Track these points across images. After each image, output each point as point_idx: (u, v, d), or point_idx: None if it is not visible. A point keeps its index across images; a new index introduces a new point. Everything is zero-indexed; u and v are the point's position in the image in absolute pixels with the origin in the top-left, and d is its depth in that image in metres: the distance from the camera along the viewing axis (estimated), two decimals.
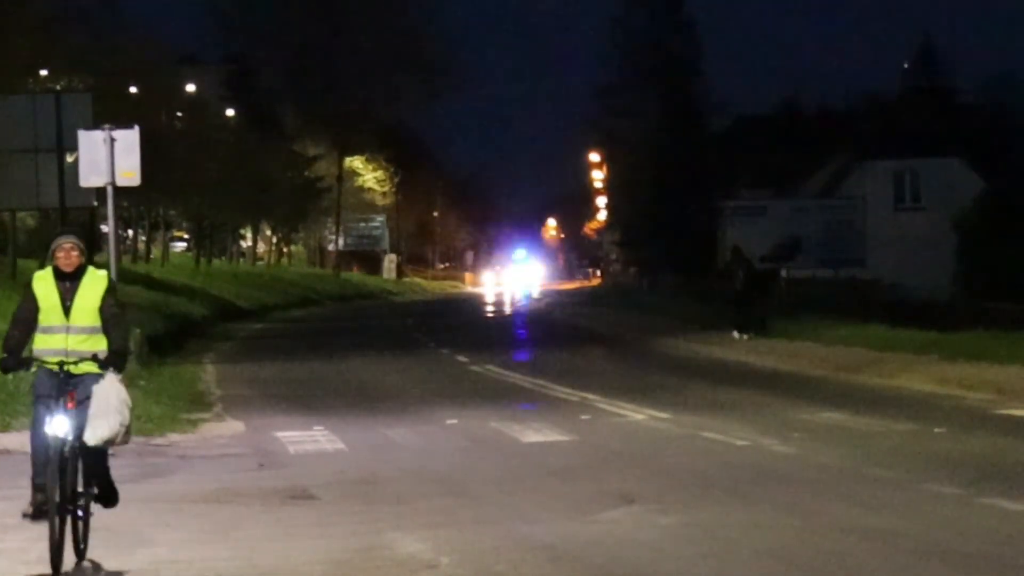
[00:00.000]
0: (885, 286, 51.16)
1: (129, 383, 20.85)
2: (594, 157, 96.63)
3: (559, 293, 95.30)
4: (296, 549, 11.06)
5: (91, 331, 10.55)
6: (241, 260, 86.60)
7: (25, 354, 10.60)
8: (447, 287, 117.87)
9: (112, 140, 21.50)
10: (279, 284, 73.68)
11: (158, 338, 31.99)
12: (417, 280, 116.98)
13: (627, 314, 53.77)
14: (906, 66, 75.45)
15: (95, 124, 22.79)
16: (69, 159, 25.29)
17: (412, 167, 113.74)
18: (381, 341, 38.95)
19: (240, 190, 65.59)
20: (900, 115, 64.71)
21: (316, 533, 11.61)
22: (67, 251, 10.55)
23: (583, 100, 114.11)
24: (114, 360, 10.55)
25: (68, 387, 10.48)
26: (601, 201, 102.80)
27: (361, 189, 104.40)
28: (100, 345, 10.54)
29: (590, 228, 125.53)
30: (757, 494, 12.94)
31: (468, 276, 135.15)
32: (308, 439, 17.85)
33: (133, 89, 47.54)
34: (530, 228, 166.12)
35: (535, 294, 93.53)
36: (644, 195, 69.89)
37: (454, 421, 19.41)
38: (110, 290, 10.66)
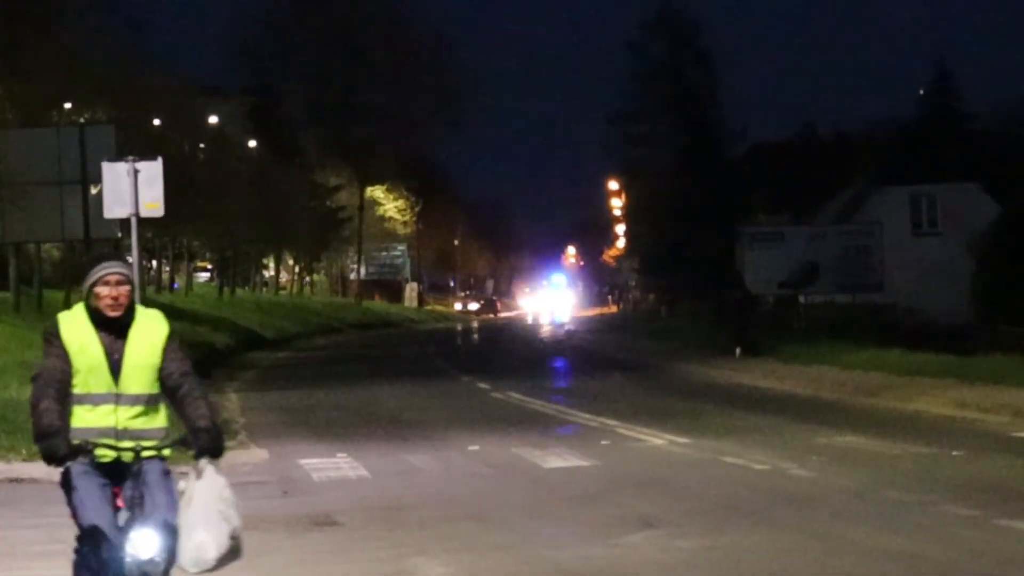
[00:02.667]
0: (902, 311, 51.19)
1: None
2: (613, 185, 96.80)
3: (579, 320, 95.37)
4: (320, 575, 11.19)
5: (148, 400, 7.27)
6: (264, 289, 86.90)
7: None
8: (469, 314, 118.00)
9: (136, 171, 21.63)
10: (302, 313, 73.91)
11: None
12: (438, 308, 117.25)
13: (646, 340, 53.92)
14: (922, 92, 75.47)
15: (119, 155, 22.98)
16: (93, 191, 25.50)
17: (433, 196, 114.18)
18: (403, 369, 39.13)
19: (262, 220, 65.91)
20: (917, 141, 64.72)
21: (340, 559, 11.70)
22: (114, 286, 7.22)
23: (601, 128, 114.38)
24: (210, 442, 7.21)
25: (130, 487, 7.23)
26: (620, 228, 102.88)
27: (382, 218, 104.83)
28: (158, 421, 7.32)
29: (609, 255, 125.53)
30: (777, 517, 13.02)
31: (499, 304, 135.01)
32: (331, 466, 17.98)
33: (156, 121, 47.92)
34: (550, 256, 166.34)
35: (563, 320, 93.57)
36: (662, 222, 70.03)
37: (476, 447, 19.53)
38: (173, 337, 7.39)
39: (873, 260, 47.53)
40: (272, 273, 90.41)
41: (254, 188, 65.08)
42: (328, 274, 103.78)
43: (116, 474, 7.20)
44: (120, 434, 7.19)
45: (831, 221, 60.23)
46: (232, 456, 19.43)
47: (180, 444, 7.26)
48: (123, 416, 7.20)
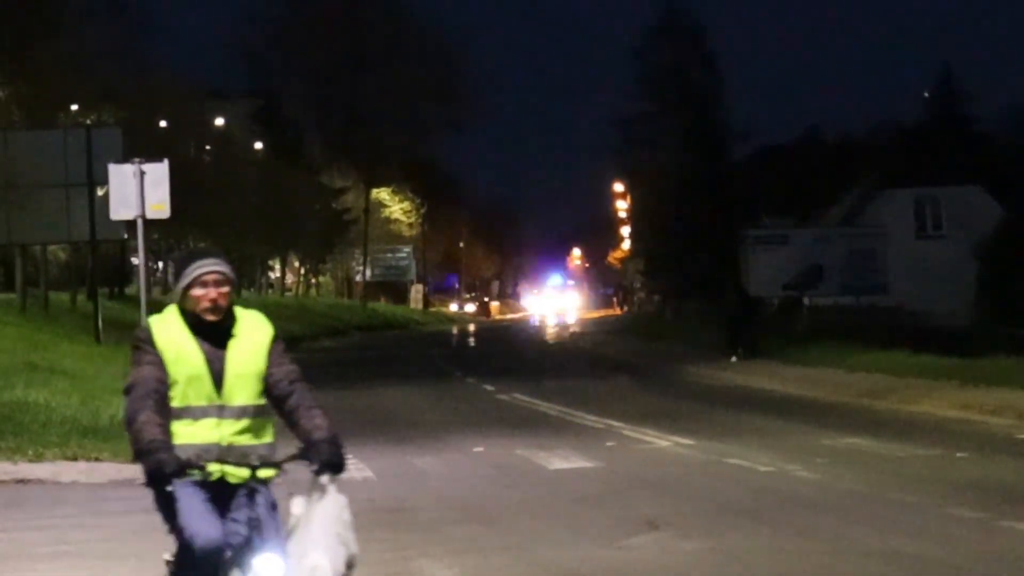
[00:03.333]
0: (906, 313, 51.25)
1: None
2: (617, 187, 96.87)
3: (584, 322, 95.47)
4: None
5: (255, 413, 6.50)
6: (270, 291, 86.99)
7: None
8: (466, 316, 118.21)
9: (142, 173, 21.74)
10: (307, 315, 73.97)
11: None
12: (443, 310, 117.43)
13: (651, 342, 53.97)
14: (927, 95, 75.51)
15: (125, 157, 23.10)
16: (99, 192, 25.65)
17: (438, 198, 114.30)
18: (408, 370, 39.18)
19: (268, 222, 66.01)
20: (921, 144, 64.77)
21: None
22: (212, 287, 6.43)
23: (606, 130, 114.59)
24: (332, 456, 6.51)
25: (244, 508, 6.48)
26: (625, 230, 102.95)
27: (388, 220, 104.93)
28: (266, 437, 6.56)
29: (614, 257, 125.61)
30: (781, 519, 13.06)
31: (493, 307, 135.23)
32: None
33: (163, 123, 48.05)
34: (555, 258, 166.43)
35: (568, 321, 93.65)
36: (667, 224, 70.09)
37: (481, 449, 19.58)
38: (278, 340, 6.63)
39: (877, 262, 47.60)
40: (278, 275, 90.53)
41: (260, 190, 65.17)
42: (334, 276, 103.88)
43: (222, 496, 6.40)
44: (224, 451, 6.38)
45: (836, 224, 60.30)
46: None
47: (299, 458, 6.49)
48: (227, 431, 6.40)
